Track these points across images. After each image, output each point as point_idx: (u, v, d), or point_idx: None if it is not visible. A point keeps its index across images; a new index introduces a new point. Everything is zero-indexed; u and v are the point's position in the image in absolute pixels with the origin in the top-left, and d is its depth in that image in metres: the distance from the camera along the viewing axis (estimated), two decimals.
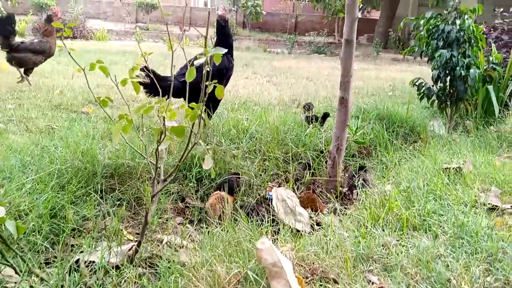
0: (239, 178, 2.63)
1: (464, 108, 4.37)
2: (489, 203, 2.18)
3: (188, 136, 1.68)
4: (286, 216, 2.43)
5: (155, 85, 2.91)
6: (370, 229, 1.91)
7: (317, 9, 21.34)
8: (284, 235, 1.95)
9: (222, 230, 1.89)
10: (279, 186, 2.92)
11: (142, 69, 2.86)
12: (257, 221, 2.04)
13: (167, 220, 2.36)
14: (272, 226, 2.11)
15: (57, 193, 2.10)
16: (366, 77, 8.09)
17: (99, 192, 2.28)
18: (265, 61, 10.97)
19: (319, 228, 2.25)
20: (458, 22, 3.80)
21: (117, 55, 10.49)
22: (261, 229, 1.96)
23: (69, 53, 2.02)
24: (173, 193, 2.54)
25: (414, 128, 4.50)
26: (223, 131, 3.30)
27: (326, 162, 3.22)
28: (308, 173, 3.07)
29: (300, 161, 3.30)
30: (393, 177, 2.81)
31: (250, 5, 20.74)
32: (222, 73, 3.31)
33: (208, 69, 1.54)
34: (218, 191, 2.49)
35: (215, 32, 3.51)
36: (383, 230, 1.90)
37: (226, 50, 1.50)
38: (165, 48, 6.32)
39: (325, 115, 4.03)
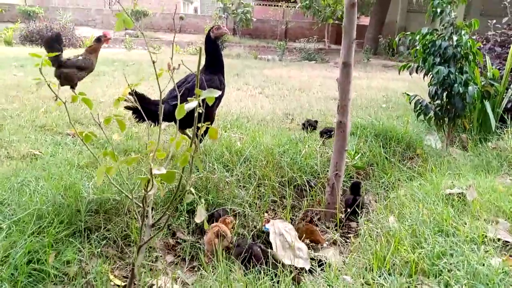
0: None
1: (462, 124, 4.28)
2: (499, 239, 2.07)
3: (178, 182, 1.53)
4: (284, 253, 2.29)
5: (145, 110, 2.80)
6: (376, 272, 1.78)
7: (307, 16, 21.34)
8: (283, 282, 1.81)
9: (216, 280, 1.74)
10: (275, 215, 2.79)
11: (130, 94, 2.69)
12: (253, 266, 1.90)
13: (156, 259, 2.21)
14: (270, 270, 1.97)
15: (37, 237, 1.93)
16: (358, 87, 8.01)
17: (83, 232, 2.11)
18: (256, 70, 10.86)
19: (321, 270, 2.11)
20: (454, 37, 3.71)
21: (105, 64, 10.27)
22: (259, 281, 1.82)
23: (49, 86, 1.86)
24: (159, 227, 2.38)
25: (411, 143, 4.41)
26: (215, 156, 3.15)
27: (321, 184, 3.10)
28: (305, 199, 2.94)
29: (296, 183, 3.17)
30: (395, 205, 2.69)
31: (240, 12, 20.67)
32: None
33: (200, 111, 1.40)
34: (216, 224, 2.35)
35: (205, 48, 3.29)
36: (390, 275, 1.77)
37: (218, 93, 1.35)
38: (155, 56, 6.22)
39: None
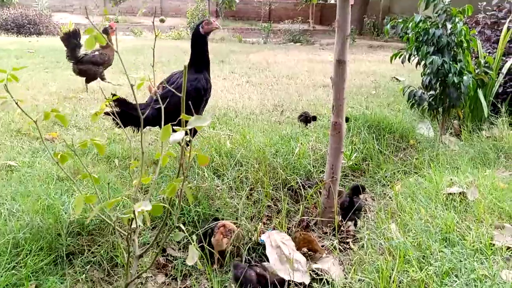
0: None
1: (456, 114, 4.18)
2: (506, 247, 1.98)
3: (165, 215, 1.38)
4: (282, 266, 2.18)
5: (126, 115, 2.61)
6: None
7: None
8: None
9: None
10: (270, 223, 2.66)
11: (112, 97, 2.46)
12: None
13: (146, 280, 2.07)
14: None
15: (14, 268, 1.77)
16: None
17: (65, 258, 1.95)
18: (241, 55, 10.60)
19: (321, 286, 2.00)
20: (448, 25, 3.57)
21: None
22: None
23: (17, 103, 1.67)
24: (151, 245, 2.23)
25: (403, 133, 4.31)
26: None
27: (314, 186, 2.97)
28: (301, 203, 2.82)
29: (290, 185, 3.05)
30: (394, 208, 2.59)
31: None
32: (200, 95, 2.97)
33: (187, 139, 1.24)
34: (223, 223, 2.26)
35: (192, 44, 3.05)
36: None
37: (207, 122, 1.19)
38: (136, 41, 5.94)
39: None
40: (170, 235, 2.24)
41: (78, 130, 3.79)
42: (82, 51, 5.25)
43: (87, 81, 5.38)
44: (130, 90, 1.73)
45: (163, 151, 1.54)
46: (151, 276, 2.10)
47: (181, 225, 1.34)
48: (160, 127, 2.89)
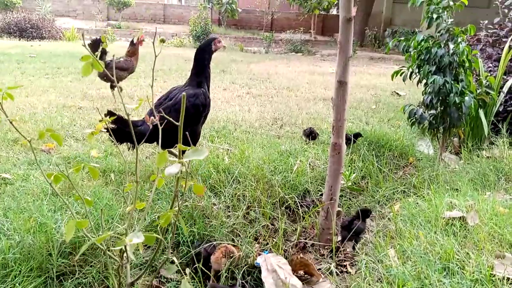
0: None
1: (456, 133, 4.16)
2: (508, 278, 1.94)
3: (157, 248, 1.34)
4: None
5: (123, 132, 2.55)
6: None
7: (293, 6, 21.02)
8: None
9: None
10: (266, 244, 2.61)
11: (107, 115, 2.41)
12: None
13: None
14: None
15: None
16: None
17: (55, 279, 1.91)
18: (242, 65, 10.61)
19: None
20: (451, 45, 3.55)
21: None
22: None
23: (11, 123, 1.64)
24: (144, 264, 2.18)
25: (403, 150, 4.28)
26: (202, 176, 2.95)
27: (312, 206, 2.93)
28: (298, 224, 2.78)
29: (288, 204, 3.01)
30: (392, 231, 2.55)
31: (225, 2, 20.23)
32: (199, 112, 2.93)
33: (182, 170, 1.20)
34: (224, 244, 2.28)
35: (199, 58, 3.06)
36: None
37: (205, 155, 1.16)
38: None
39: (357, 135, 4.01)
40: (164, 254, 2.19)
41: (75, 141, 3.75)
42: (108, 58, 5.43)
43: (112, 87, 5.50)
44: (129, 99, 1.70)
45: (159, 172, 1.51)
46: None
47: (175, 259, 1.30)
48: (157, 143, 2.87)
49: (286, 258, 2.39)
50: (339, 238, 2.77)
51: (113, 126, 2.44)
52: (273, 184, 3.07)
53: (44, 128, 3.96)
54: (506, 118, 4.87)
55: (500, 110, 4.85)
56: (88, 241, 1.86)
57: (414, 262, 2.04)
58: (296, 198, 2.95)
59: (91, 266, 2.03)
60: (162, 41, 1.79)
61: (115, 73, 5.01)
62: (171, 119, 1.58)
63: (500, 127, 4.33)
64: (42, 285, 1.87)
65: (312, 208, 2.91)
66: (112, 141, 2.53)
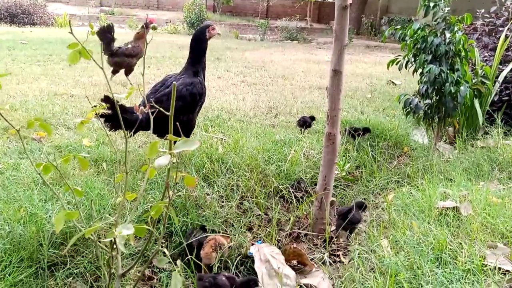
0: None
1: (451, 123, 4.15)
2: (499, 268, 1.95)
3: (148, 237, 1.32)
4: (271, 281, 2.13)
5: (119, 119, 2.50)
6: None
7: None
8: None
9: None
10: (260, 233, 2.60)
11: (103, 100, 2.36)
12: None
13: None
14: None
15: None
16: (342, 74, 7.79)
17: (46, 269, 1.89)
18: (237, 53, 10.52)
19: None
20: (447, 34, 3.52)
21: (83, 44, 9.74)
22: None
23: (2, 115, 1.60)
24: (136, 254, 2.17)
25: (398, 140, 4.27)
26: (196, 166, 2.93)
27: (305, 195, 2.93)
28: (292, 214, 2.77)
29: (282, 193, 3.00)
30: (386, 221, 2.55)
31: None
32: (195, 100, 2.92)
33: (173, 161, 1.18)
34: (213, 237, 2.24)
35: (194, 46, 3.03)
36: None
37: (196, 145, 1.13)
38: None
39: (366, 130, 3.97)
40: (156, 244, 2.18)
41: (67, 129, 3.70)
42: (116, 45, 5.50)
43: (126, 74, 5.62)
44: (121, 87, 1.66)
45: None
46: None
47: (165, 250, 1.29)
48: (153, 131, 2.85)
49: (279, 248, 2.39)
50: (333, 227, 2.78)
51: (109, 112, 2.41)
52: (267, 173, 3.05)
53: (35, 116, 3.91)
54: (501, 107, 4.87)
55: (495, 99, 4.85)
56: (79, 231, 1.84)
57: (407, 252, 2.04)
58: (290, 188, 2.93)
59: (82, 257, 2.02)
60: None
61: (126, 60, 5.47)
62: (160, 108, 1.53)
63: (495, 117, 4.33)
64: (33, 275, 1.86)
65: (307, 197, 2.91)
66: (107, 129, 2.50)
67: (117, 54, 5.45)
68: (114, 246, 1.46)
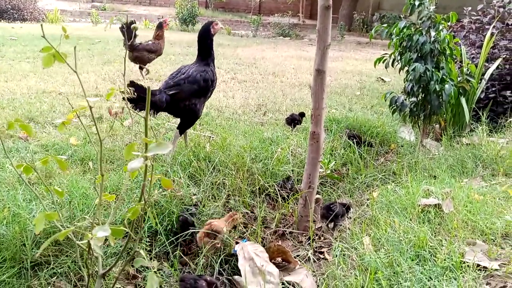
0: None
1: (437, 121, 4.20)
2: (478, 265, 1.99)
3: (129, 235, 1.34)
4: (254, 279, 2.16)
5: (143, 100, 2.83)
6: None
7: None
8: None
9: None
10: (246, 230, 2.63)
11: (129, 85, 2.76)
12: None
13: None
14: None
15: None
16: (333, 71, 7.84)
17: (29, 269, 1.90)
18: (229, 49, 10.50)
19: None
20: (432, 32, 3.56)
21: (70, 42, 9.64)
22: None
23: None
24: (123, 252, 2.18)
25: (385, 136, 4.32)
26: (182, 164, 2.94)
27: (290, 192, 2.95)
28: (277, 212, 2.80)
29: (268, 192, 3.02)
30: (369, 219, 2.58)
31: None
32: (208, 85, 3.28)
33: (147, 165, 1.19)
34: (210, 222, 2.34)
35: (201, 41, 3.33)
36: None
37: (167, 150, 1.15)
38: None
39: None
40: (141, 242, 2.20)
41: (54, 128, 3.70)
42: (138, 40, 5.92)
43: (141, 68, 6.08)
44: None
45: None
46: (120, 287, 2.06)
47: (142, 252, 1.30)
48: (170, 112, 3.27)
49: (264, 246, 2.42)
50: (318, 225, 2.81)
51: (134, 95, 2.78)
52: (253, 172, 3.07)
53: (22, 114, 3.90)
54: (488, 105, 4.94)
55: (482, 97, 4.91)
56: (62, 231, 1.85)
57: (387, 249, 2.08)
58: (276, 186, 2.96)
59: (67, 256, 2.03)
60: (133, 25, 1.75)
61: (145, 55, 5.96)
62: None
63: (479, 113, 4.38)
64: (16, 275, 1.87)
65: (293, 194, 2.94)
66: (135, 110, 2.86)
67: (138, 49, 5.84)
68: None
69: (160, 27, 6.17)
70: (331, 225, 2.73)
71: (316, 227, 2.80)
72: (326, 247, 2.63)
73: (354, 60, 10.07)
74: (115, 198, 1.52)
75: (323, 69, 2.41)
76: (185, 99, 3.16)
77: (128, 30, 5.53)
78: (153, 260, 2.22)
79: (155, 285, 1.25)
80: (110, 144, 3.28)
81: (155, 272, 2.16)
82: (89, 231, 2.03)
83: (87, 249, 1.32)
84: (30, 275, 1.90)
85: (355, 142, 3.81)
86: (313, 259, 2.42)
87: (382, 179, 3.40)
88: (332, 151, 3.68)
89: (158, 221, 2.35)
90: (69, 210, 2.22)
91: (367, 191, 3.31)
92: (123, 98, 2.68)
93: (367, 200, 3.04)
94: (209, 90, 3.35)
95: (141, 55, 5.87)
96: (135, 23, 5.79)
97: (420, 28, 3.62)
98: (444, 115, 4.37)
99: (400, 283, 1.80)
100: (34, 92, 4.83)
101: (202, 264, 2.21)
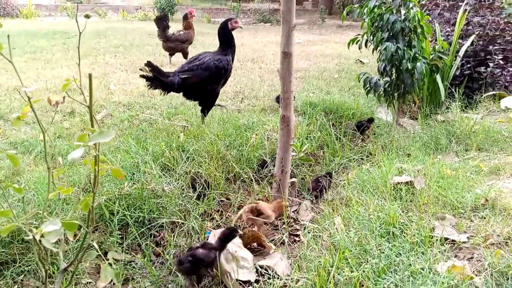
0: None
1: (412, 99, 4.22)
2: (446, 239, 2.01)
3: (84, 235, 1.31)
4: (228, 265, 2.15)
5: (158, 80, 3.25)
6: None
7: None
8: None
9: None
10: (221, 218, 2.62)
11: (146, 65, 3.15)
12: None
13: (86, 286, 2.01)
14: None
15: None
16: (312, 55, 7.80)
17: None
18: (208, 38, 10.37)
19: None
20: (402, 11, 3.55)
21: (45, 38, 9.42)
22: None
23: None
24: (91, 247, 2.15)
25: (362, 117, 4.32)
26: (154, 155, 2.90)
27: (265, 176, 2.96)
28: (252, 197, 2.79)
29: (243, 178, 3.01)
30: (342, 199, 2.59)
31: None
32: (220, 73, 3.50)
33: None
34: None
35: (221, 36, 3.62)
36: None
37: (110, 138, 1.12)
38: (100, 23, 5.75)
39: (370, 120, 3.95)
40: (112, 236, 2.17)
41: (25, 124, 3.61)
42: (170, 31, 6.31)
43: (185, 57, 6.25)
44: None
45: None
46: (91, 282, 2.03)
47: (95, 244, 1.28)
48: (184, 94, 3.56)
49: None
50: (294, 208, 2.82)
51: (151, 74, 3.17)
52: (228, 159, 3.05)
53: (3, 106, 3.81)
54: (463, 81, 4.98)
55: (457, 74, 4.95)
56: (24, 229, 1.81)
57: (356, 228, 2.09)
58: (251, 173, 2.94)
59: (33, 253, 1.99)
60: (87, 16, 1.70)
61: (178, 46, 6.37)
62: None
63: (453, 90, 4.41)
64: None
65: (268, 180, 2.93)
66: (150, 87, 3.33)
67: (171, 39, 6.26)
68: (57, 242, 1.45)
69: (186, 18, 6.54)
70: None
71: (292, 210, 2.81)
72: (301, 230, 2.64)
73: (334, 43, 10.03)
74: (71, 192, 1.48)
75: (289, 51, 2.39)
76: (197, 84, 3.42)
77: (161, 22, 6.00)
78: (124, 253, 2.20)
79: (109, 276, 1.24)
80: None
81: (124, 263, 2.14)
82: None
83: (51, 245, 1.29)
84: None
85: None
86: (288, 242, 2.43)
87: (358, 160, 3.41)
88: (309, 134, 3.67)
89: (129, 213, 2.33)
90: (38, 205, 2.18)
91: (343, 172, 3.33)
92: (140, 76, 3.16)
93: (343, 181, 3.05)
94: (222, 78, 3.58)
95: (174, 45, 6.28)
96: (167, 15, 6.48)
97: (391, 7, 3.60)
98: (420, 94, 4.39)
99: (368, 261, 1.82)
100: (5, 89, 4.72)
101: (174, 253, 2.20)
